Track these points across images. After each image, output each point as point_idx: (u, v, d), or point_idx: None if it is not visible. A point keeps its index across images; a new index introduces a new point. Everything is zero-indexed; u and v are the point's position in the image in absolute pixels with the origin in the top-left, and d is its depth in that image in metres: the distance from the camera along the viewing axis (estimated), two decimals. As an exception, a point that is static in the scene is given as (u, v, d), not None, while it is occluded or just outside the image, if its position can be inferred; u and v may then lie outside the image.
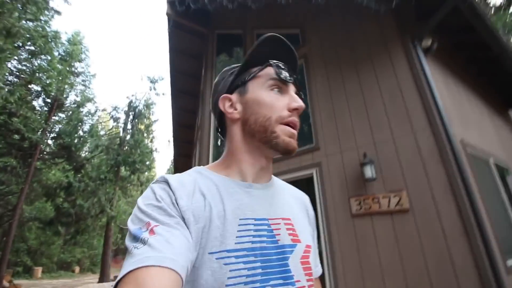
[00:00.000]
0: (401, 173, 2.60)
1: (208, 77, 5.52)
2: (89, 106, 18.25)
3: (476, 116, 3.83)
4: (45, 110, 15.62)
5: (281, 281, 0.49)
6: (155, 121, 20.14)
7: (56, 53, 14.52)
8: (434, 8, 2.85)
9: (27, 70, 13.07)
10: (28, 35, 10.82)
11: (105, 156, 17.04)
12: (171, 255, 0.39)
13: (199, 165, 5.25)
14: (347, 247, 2.71)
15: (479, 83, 4.66)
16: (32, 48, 12.06)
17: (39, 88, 14.14)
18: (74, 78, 16.78)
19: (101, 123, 20.20)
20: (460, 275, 2.14)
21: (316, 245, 0.67)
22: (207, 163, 4.91)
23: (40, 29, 11.59)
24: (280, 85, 0.58)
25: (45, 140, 15.01)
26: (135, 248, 0.40)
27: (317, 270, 0.66)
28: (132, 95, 19.37)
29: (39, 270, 16.07)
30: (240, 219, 0.50)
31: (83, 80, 17.60)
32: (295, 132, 0.57)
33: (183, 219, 0.46)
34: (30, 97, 14.31)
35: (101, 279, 15.98)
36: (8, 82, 12.36)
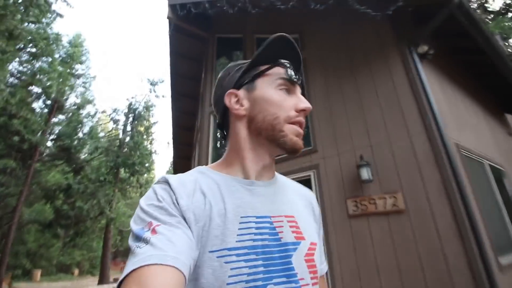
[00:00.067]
0: (397, 175, 2.67)
1: (208, 80, 5.59)
2: (89, 108, 18.34)
3: (472, 120, 3.90)
4: (45, 112, 15.66)
5: (284, 279, 0.49)
6: (154, 123, 20.19)
7: (57, 55, 14.60)
8: (430, 14, 2.93)
9: (28, 72, 13.13)
10: (29, 37, 10.89)
11: (104, 158, 17.07)
12: (174, 253, 0.40)
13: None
14: (344, 247, 2.77)
15: (475, 87, 4.74)
16: (34, 50, 12.13)
17: (39, 90, 14.19)
18: (75, 80, 16.85)
19: (100, 125, 20.24)
20: (454, 275, 2.19)
21: (322, 242, 0.67)
22: (207, 165, 5.01)
23: (42, 31, 11.67)
24: (288, 85, 0.59)
25: (45, 142, 15.03)
26: (137, 247, 0.40)
27: (322, 268, 0.65)
28: (132, 97, 19.44)
29: (38, 272, 16.02)
30: (241, 217, 0.51)
31: (83, 82, 17.68)
32: (301, 132, 0.58)
33: (184, 218, 0.47)
34: (30, 99, 14.36)
35: (101, 281, 15.93)
36: (9, 83, 12.42)
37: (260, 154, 0.59)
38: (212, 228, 0.48)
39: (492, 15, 12.70)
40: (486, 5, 12.61)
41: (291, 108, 0.57)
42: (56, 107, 15.74)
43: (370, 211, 2.70)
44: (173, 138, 8.84)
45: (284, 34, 0.58)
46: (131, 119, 19.00)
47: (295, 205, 0.61)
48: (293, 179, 0.70)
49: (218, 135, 5.30)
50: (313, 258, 0.55)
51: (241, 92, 0.60)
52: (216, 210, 0.50)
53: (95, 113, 18.49)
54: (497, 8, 12.68)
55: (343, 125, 3.22)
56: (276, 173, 0.65)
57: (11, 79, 12.91)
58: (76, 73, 17.00)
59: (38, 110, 15.35)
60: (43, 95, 14.54)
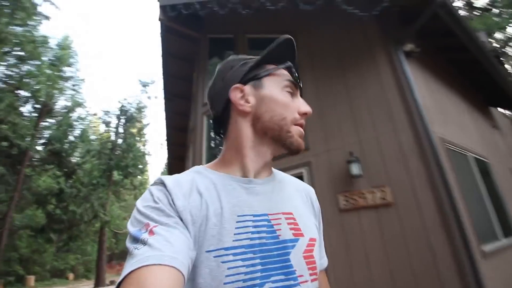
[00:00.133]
0: (385, 169, 2.78)
1: (201, 80, 5.63)
2: (80, 111, 18.09)
3: (457, 114, 4.06)
4: (34, 116, 15.41)
5: (282, 277, 0.49)
6: (147, 124, 20.07)
7: (45, 58, 14.36)
8: (416, 14, 3.04)
9: (15, 75, 12.90)
10: (16, 41, 10.70)
11: (97, 161, 16.90)
12: (172, 253, 0.40)
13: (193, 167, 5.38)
14: (335, 240, 2.87)
15: (461, 83, 4.91)
16: (20, 53, 11.92)
17: (27, 94, 13.95)
18: (64, 83, 16.60)
19: (92, 128, 20.00)
20: (439, 262, 2.31)
21: (322, 237, 0.68)
22: (204, 165, 5.05)
23: (29, 34, 11.48)
24: (292, 88, 0.61)
25: (35, 147, 14.79)
26: (135, 249, 0.40)
27: (322, 262, 0.66)
28: (124, 99, 19.27)
29: (31, 278, 15.77)
30: (238, 216, 0.51)
31: (72, 85, 17.43)
32: (303, 133, 0.60)
33: (181, 219, 0.47)
34: (18, 103, 14.10)
35: (97, 285, 15.81)
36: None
37: (262, 153, 0.59)
38: (208, 228, 0.48)
39: (479, 12, 13.03)
40: (472, 1, 12.92)
41: (295, 110, 0.59)
42: (45, 110, 15.51)
43: (360, 205, 2.80)
44: (167, 139, 8.84)
45: (290, 36, 0.60)
46: (123, 121, 18.84)
47: (293, 201, 0.61)
48: (286, 176, 0.70)
49: (212, 134, 5.35)
50: (312, 254, 0.55)
51: (247, 88, 0.59)
52: (212, 210, 0.50)
53: (86, 116, 18.28)
54: (483, 5, 13.02)
55: (334, 123, 3.32)
56: (274, 169, 0.65)
57: (-3, 84, 12.67)
58: (65, 75, 16.75)
59: (26, 114, 15.08)
60: (31, 99, 14.29)
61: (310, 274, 0.53)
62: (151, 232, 0.42)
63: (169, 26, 5.38)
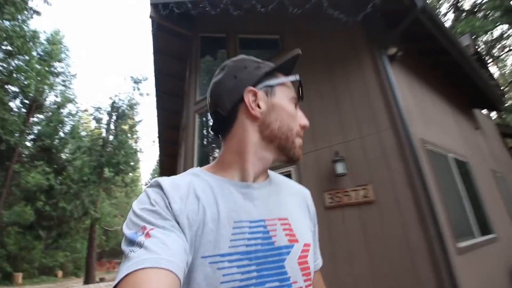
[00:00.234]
0: (368, 169, 2.90)
1: (193, 79, 5.66)
2: (70, 107, 17.84)
3: (439, 116, 4.21)
4: (23, 112, 15.14)
5: (277, 283, 0.50)
6: (139, 121, 19.92)
7: (34, 53, 14.11)
8: (399, 19, 3.16)
9: (4, 70, 12.65)
10: (5, 35, 10.50)
11: (87, 158, 16.73)
12: (168, 256, 0.39)
13: (184, 165, 5.37)
14: (321, 236, 2.93)
15: (445, 85, 5.08)
16: (10, 48, 11.70)
17: (16, 89, 13.70)
18: (54, 78, 16.36)
19: (82, 124, 19.75)
20: (415, 257, 2.45)
21: (317, 239, 0.70)
22: (192, 164, 5.06)
23: (18, 29, 11.27)
24: (297, 100, 0.64)
25: (24, 142, 14.56)
26: (131, 251, 0.40)
27: (317, 264, 0.68)
28: (115, 96, 19.07)
29: (19, 276, 15.58)
30: (234, 222, 0.50)
31: (63, 81, 17.19)
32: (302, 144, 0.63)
33: (178, 222, 0.46)
34: (7, 98, 13.84)
35: (87, 282, 15.71)
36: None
37: (264, 159, 0.59)
38: (205, 233, 0.48)
39: (464, 14, 13.34)
40: (458, 4, 13.23)
41: (298, 122, 0.62)
42: (35, 106, 15.25)
43: (344, 202, 2.92)
44: (159, 137, 8.84)
45: (300, 52, 0.64)
46: (114, 117, 18.65)
47: (289, 206, 0.61)
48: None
49: (205, 132, 5.40)
50: (306, 260, 0.56)
51: (260, 93, 0.59)
52: (209, 215, 0.50)
53: (77, 112, 18.05)
54: (468, 7, 13.33)
55: (321, 124, 3.43)
56: (270, 172, 0.65)
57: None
58: (55, 71, 16.49)
59: (15, 109, 14.81)
60: (20, 94, 14.05)
61: (305, 280, 0.54)
62: (148, 235, 0.42)
63: (160, 24, 5.39)
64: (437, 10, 16.19)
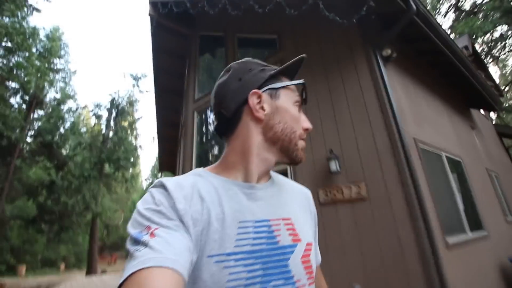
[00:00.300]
0: (361, 166, 2.98)
1: (192, 77, 5.73)
2: (70, 104, 17.91)
3: (434, 116, 4.29)
4: (24, 108, 15.22)
5: (282, 282, 0.51)
6: (138, 118, 20.00)
7: (34, 50, 14.14)
8: (394, 20, 3.22)
9: (4, 67, 12.70)
10: (4, 32, 10.53)
11: (88, 154, 16.84)
12: (172, 255, 0.40)
13: (183, 162, 5.45)
14: (315, 232, 3.07)
15: (441, 85, 5.14)
16: (9, 45, 11.74)
17: (17, 85, 13.76)
18: (54, 75, 16.39)
19: (82, 120, 19.84)
20: (405, 251, 2.54)
21: (317, 237, 0.71)
22: (191, 161, 5.14)
23: (18, 25, 11.30)
24: (301, 104, 0.65)
25: (25, 138, 14.65)
26: (136, 251, 0.41)
27: (317, 260, 0.70)
28: (115, 93, 19.12)
29: (23, 268, 15.85)
30: (239, 222, 0.51)
31: (63, 77, 17.21)
32: (305, 147, 0.64)
33: (182, 222, 0.47)
34: (7, 94, 13.91)
35: (89, 274, 15.96)
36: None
37: (267, 161, 0.60)
38: (210, 233, 0.49)
39: (464, 14, 13.34)
40: (459, 4, 13.22)
41: (302, 125, 0.63)
42: (35, 102, 15.32)
43: (337, 199, 3.01)
44: (158, 134, 8.93)
45: (305, 56, 0.64)
46: (114, 114, 18.73)
47: (291, 206, 0.62)
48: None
49: (204, 129, 5.48)
50: (309, 259, 0.57)
51: (264, 96, 0.60)
52: (214, 215, 0.50)
53: (77, 109, 18.11)
54: (468, 8, 13.32)
55: (316, 122, 3.50)
56: (272, 172, 0.66)
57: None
58: (55, 67, 16.53)
59: (16, 106, 14.88)
60: (20, 90, 14.11)
61: (308, 279, 0.56)
62: (152, 234, 0.42)
63: (159, 22, 5.44)
64: (438, 10, 16.18)
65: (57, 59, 16.67)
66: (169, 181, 0.52)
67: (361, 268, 2.74)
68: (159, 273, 0.37)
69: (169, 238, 0.43)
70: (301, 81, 0.65)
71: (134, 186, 25.65)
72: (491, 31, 12.21)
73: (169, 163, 9.85)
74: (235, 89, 0.60)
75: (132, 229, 0.45)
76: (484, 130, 7.23)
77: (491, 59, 17.17)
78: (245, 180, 0.58)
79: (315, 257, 0.64)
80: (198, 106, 5.31)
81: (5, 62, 12.46)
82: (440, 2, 15.44)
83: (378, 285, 2.62)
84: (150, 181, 37.44)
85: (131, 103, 19.21)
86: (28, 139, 15.74)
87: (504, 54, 17.36)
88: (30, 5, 11.61)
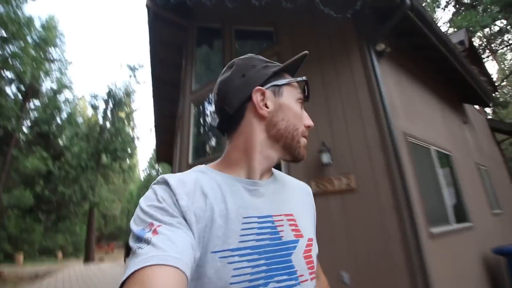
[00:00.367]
0: (351, 159, 3.08)
1: (189, 68, 5.75)
2: (67, 94, 17.84)
3: (425, 111, 4.38)
4: (20, 98, 15.12)
5: (285, 277, 0.52)
6: (136, 109, 19.96)
7: (29, 39, 13.95)
8: (388, 15, 3.27)
9: (-1, 56, 12.56)
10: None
11: (85, 144, 16.86)
12: (175, 253, 0.40)
13: (180, 153, 5.52)
14: (305, 221, 3.18)
15: (435, 80, 5.21)
16: (4, 34, 11.57)
17: (12, 75, 13.63)
18: (50, 64, 16.23)
19: (79, 111, 19.75)
20: (390, 240, 2.67)
21: (315, 231, 0.72)
22: (188, 152, 5.23)
23: (13, 14, 11.11)
24: (303, 101, 0.66)
25: (21, 128, 14.61)
26: (139, 248, 0.41)
27: (315, 252, 0.70)
28: (112, 83, 19.03)
29: (21, 256, 16.09)
30: (243, 218, 0.52)
31: (59, 67, 17.05)
32: (306, 144, 0.65)
33: (185, 219, 0.47)
34: (2, 84, 13.79)
35: (86, 262, 16.23)
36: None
37: (270, 158, 0.61)
38: (214, 229, 0.49)
39: (463, 7, 13.29)
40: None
41: (304, 122, 0.64)
42: (31, 92, 15.21)
43: (328, 190, 3.12)
44: (155, 125, 8.96)
45: (307, 53, 0.65)
46: (111, 105, 18.66)
47: (293, 202, 0.63)
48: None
49: (202, 121, 5.54)
50: (310, 254, 0.58)
51: (268, 93, 0.61)
52: (218, 211, 0.51)
53: (73, 99, 18.01)
54: (468, 1, 13.26)
55: (311, 115, 3.56)
56: (273, 169, 0.66)
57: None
58: (51, 57, 16.35)
59: (11, 96, 14.78)
60: (16, 80, 13.99)
61: (310, 273, 0.57)
62: (155, 232, 0.43)
63: (157, 13, 5.43)
64: (437, 3, 16.09)
65: (53, 48, 16.48)
66: (172, 177, 0.52)
67: (348, 256, 2.87)
68: (161, 271, 0.38)
69: (172, 236, 0.43)
70: (304, 78, 0.67)
71: (132, 177, 25.78)
72: (490, 25, 12.21)
73: (166, 154, 9.92)
74: (238, 85, 0.61)
75: (134, 226, 0.46)
76: (477, 125, 7.35)
77: (489, 54, 17.22)
78: (248, 177, 0.59)
79: (315, 246, 0.65)
80: (195, 98, 5.36)
81: (0, 51, 12.33)
82: (440, -6, 15.38)
83: (365, 274, 2.75)
84: (148, 172, 37.55)
85: (128, 94, 19.14)
86: (25, 129, 15.69)
87: (502, 48, 17.41)
88: (25, -6, 11.45)
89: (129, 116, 19.32)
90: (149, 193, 0.51)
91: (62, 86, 16.99)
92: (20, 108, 14.38)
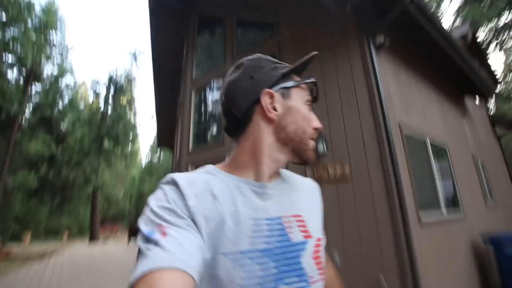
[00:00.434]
0: (346, 149, 3.18)
1: (190, 56, 5.78)
2: (68, 79, 17.83)
3: (423, 103, 4.43)
4: (21, 83, 15.16)
5: (295, 279, 0.52)
6: (137, 96, 19.98)
7: (30, 24, 13.83)
8: (388, 8, 3.28)
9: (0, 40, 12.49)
10: None
11: (87, 129, 17.01)
12: (183, 256, 0.40)
13: (181, 140, 5.63)
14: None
15: (435, 73, 5.22)
16: (4, 18, 11.45)
17: (13, 60, 13.61)
18: (51, 49, 16.15)
19: (81, 97, 19.80)
20: (380, 227, 2.80)
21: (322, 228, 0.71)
22: (188, 140, 5.35)
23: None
24: (311, 103, 0.65)
25: (23, 112, 14.73)
26: (147, 249, 0.41)
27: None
28: (113, 70, 18.99)
29: (27, 237, 16.63)
30: (253, 220, 0.52)
31: (60, 52, 16.97)
32: (315, 146, 0.64)
33: (194, 220, 0.47)
34: (4, 68, 13.79)
35: (91, 241, 16.84)
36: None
37: (278, 161, 0.60)
38: (224, 231, 0.49)
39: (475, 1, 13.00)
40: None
41: (312, 124, 0.62)
42: (33, 77, 15.23)
43: (323, 178, 3.24)
44: (156, 112, 9.03)
45: (316, 53, 0.64)
46: (112, 91, 18.68)
47: (301, 203, 0.63)
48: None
49: (202, 108, 5.60)
50: (319, 254, 0.58)
51: (276, 96, 0.60)
52: (227, 213, 0.51)
53: (75, 84, 18.03)
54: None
55: (308, 105, 3.65)
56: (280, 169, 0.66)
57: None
58: (52, 42, 16.25)
59: (13, 80, 14.80)
60: (17, 64, 13.98)
61: (319, 274, 0.57)
62: (164, 234, 0.43)
63: (158, 0, 5.41)
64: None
65: (53, 31, 16.33)
66: (181, 177, 0.52)
67: (340, 242, 3.01)
68: (169, 274, 0.38)
69: (181, 238, 0.43)
70: (313, 79, 0.65)
71: (134, 162, 26.12)
72: (496, 19, 11.99)
73: (167, 140, 10.03)
74: (246, 87, 0.60)
75: (144, 226, 0.45)
76: (476, 118, 7.38)
77: (495, 47, 16.94)
78: (256, 179, 0.58)
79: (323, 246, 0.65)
80: (195, 86, 5.41)
81: (0, 35, 12.25)
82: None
83: (355, 258, 2.90)
84: (149, 158, 37.87)
85: (129, 80, 19.10)
86: (27, 114, 15.82)
87: (508, 39, 17.10)
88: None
89: (130, 103, 19.36)
90: (158, 193, 0.50)
91: (63, 70, 16.97)
92: (23, 92, 14.44)
